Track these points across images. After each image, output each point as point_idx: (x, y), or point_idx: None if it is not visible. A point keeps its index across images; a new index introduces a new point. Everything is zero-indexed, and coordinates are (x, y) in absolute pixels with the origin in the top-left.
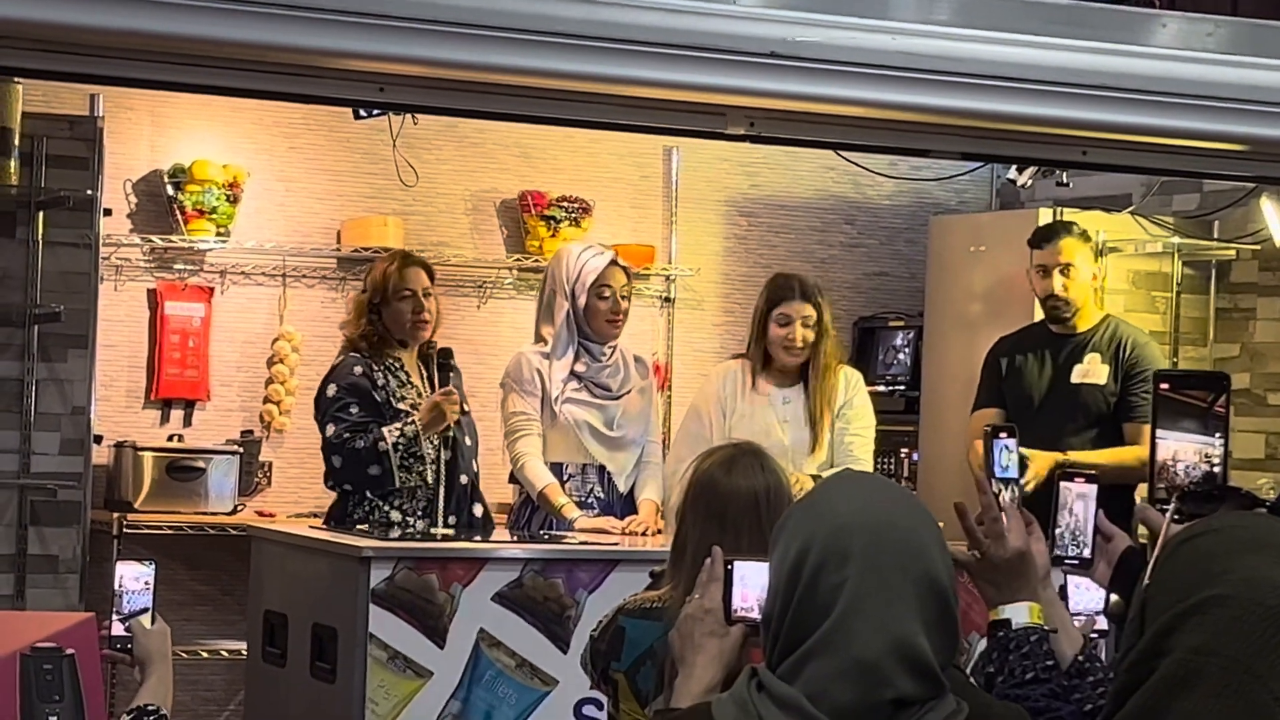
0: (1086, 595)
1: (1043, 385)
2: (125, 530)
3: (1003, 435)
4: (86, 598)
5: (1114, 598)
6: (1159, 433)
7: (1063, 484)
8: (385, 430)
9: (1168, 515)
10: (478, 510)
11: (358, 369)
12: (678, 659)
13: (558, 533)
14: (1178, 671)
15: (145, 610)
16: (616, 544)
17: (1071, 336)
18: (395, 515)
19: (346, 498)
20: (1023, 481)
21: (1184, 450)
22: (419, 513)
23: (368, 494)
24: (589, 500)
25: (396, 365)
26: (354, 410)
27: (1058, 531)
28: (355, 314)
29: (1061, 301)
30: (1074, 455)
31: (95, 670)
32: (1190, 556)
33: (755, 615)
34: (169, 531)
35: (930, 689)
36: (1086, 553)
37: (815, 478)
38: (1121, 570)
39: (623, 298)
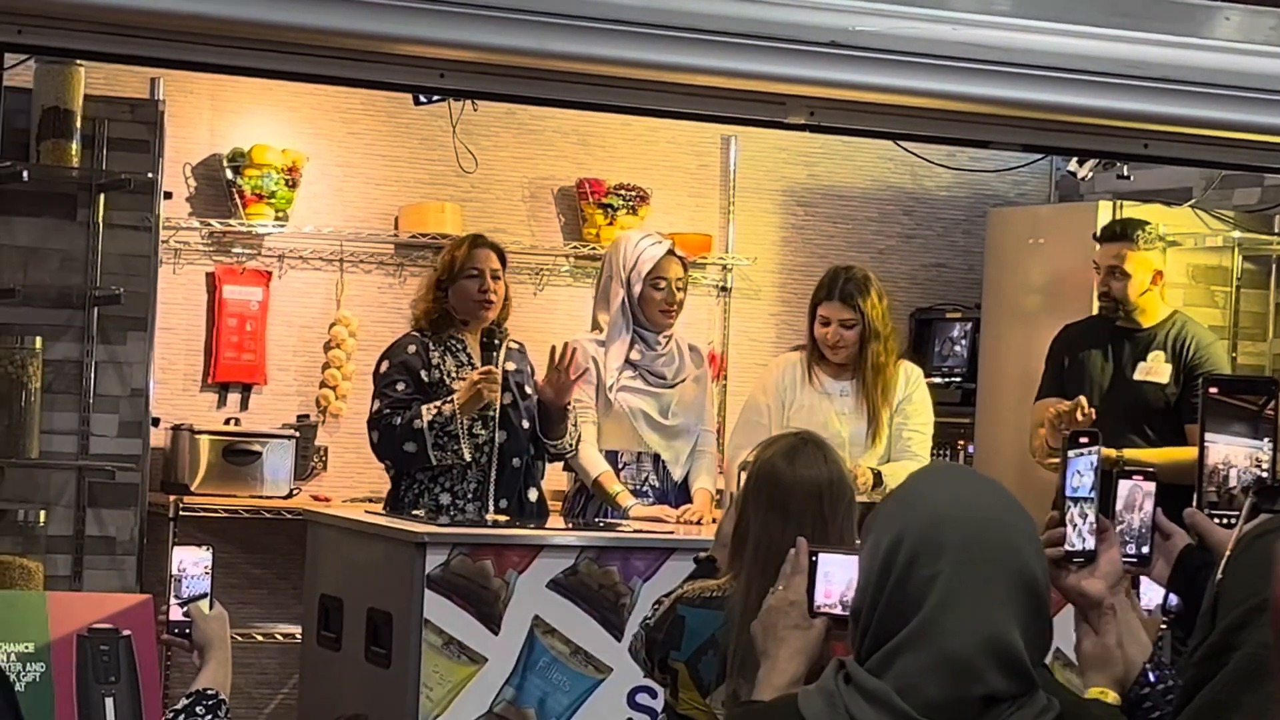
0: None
1: (1104, 380)
2: (181, 513)
3: (1082, 444)
4: (143, 580)
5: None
6: (1208, 436)
7: (1121, 481)
8: (424, 408)
9: (1244, 508)
10: (532, 495)
11: (412, 347)
12: (760, 651)
13: (612, 520)
14: (1249, 666)
15: (204, 595)
16: (671, 532)
17: (1137, 332)
18: (445, 498)
19: (399, 480)
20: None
21: (1234, 454)
22: (469, 495)
23: (417, 476)
24: (644, 488)
25: (458, 346)
26: (400, 387)
27: (1117, 529)
28: (423, 291)
29: (1109, 301)
30: (1129, 453)
31: (151, 652)
32: (1263, 552)
33: (839, 609)
34: (225, 515)
35: (1021, 686)
36: (1145, 550)
37: (875, 471)
38: (1180, 568)
39: (678, 288)
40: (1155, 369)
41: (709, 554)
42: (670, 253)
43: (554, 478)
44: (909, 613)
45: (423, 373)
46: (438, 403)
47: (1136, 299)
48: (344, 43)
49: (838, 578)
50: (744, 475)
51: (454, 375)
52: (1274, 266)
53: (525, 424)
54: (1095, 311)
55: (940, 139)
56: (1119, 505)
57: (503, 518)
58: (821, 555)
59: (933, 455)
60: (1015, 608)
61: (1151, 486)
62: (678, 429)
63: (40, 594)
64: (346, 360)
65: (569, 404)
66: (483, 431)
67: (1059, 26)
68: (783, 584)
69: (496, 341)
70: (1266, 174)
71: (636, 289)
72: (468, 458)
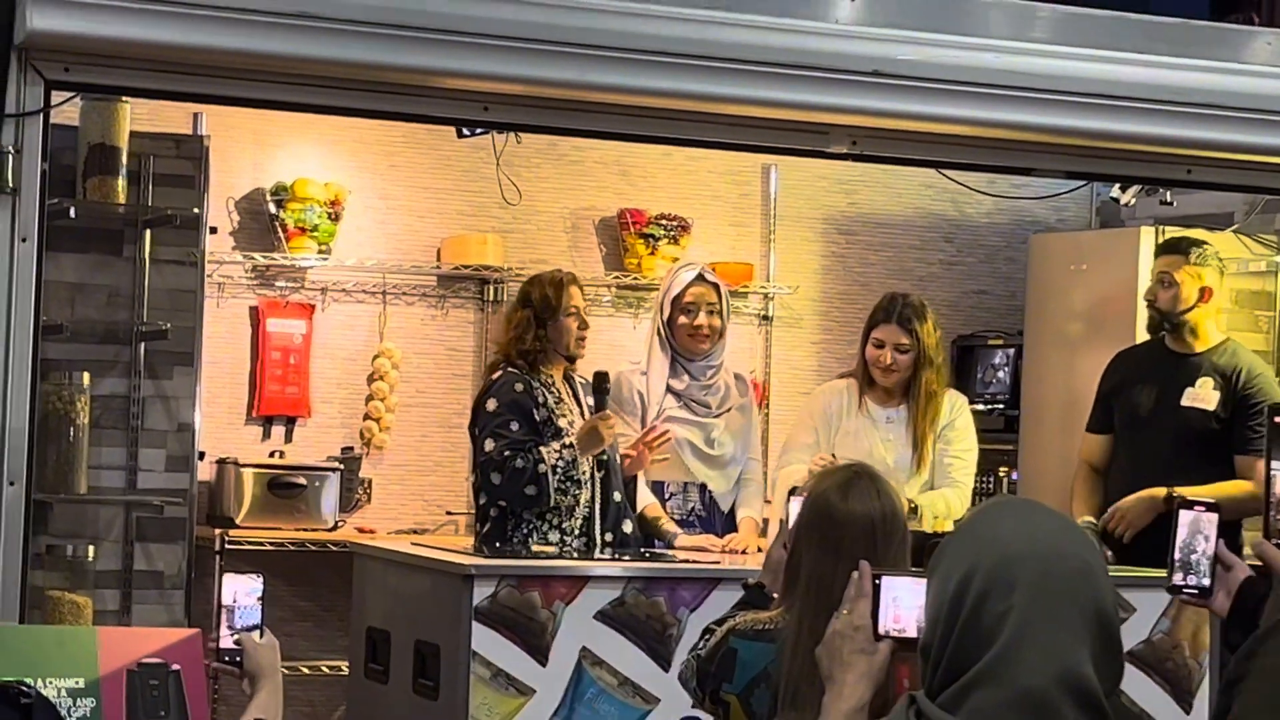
0: None
1: (1151, 404)
2: (227, 546)
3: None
4: (190, 614)
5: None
6: (1275, 465)
7: (1183, 512)
8: (544, 451)
9: None
10: (627, 526)
11: (519, 385)
12: (825, 676)
13: (658, 551)
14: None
15: (257, 626)
16: (717, 562)
17: (1188, 357)
18: (555, 535)
19: (504, 520)
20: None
21: None
22: (577, 531)
23: (524, 515)
24: (690, 518)
25: (550, 382)
26: (514, 427)
27: (1177, 560)
28: (518, 329)
29: (1154, 310)
30: (1181, 490)
31: (200, 685)
32: None
33: (907, 632)
34: (270, 548)
35: (1095, 719)
36: (1206, 582)
37: (913, 504)
38: (1242, 600)
39: (708, 312)
40: (1203, 395)
41: (758, 580)
42: (701, 277)
43: None
44: (982, 648)
45: (533, 411)
46: (556, 445)
47: (1183, 313)
48: (389, 77)
49: (903, 601)
50: (794, 500)
51: (556, 413)
52: None
53: (617, 458)
54: (1143, 325)
55: (983, 166)
56: (1181, 536)
57: (552, 549)
58: (885, 578)
59: (976, 482)
60: (1088, 641)
61: (1213, 518)
62: (723, 459)
63: (90, 629)
64: (390, 392)
65: (636, 476)
66: (588, 470)
67: (1100, 53)
68: (847, 608)
69: (607, 385)
70: None
71: (667, 313)
72: (584, 500)
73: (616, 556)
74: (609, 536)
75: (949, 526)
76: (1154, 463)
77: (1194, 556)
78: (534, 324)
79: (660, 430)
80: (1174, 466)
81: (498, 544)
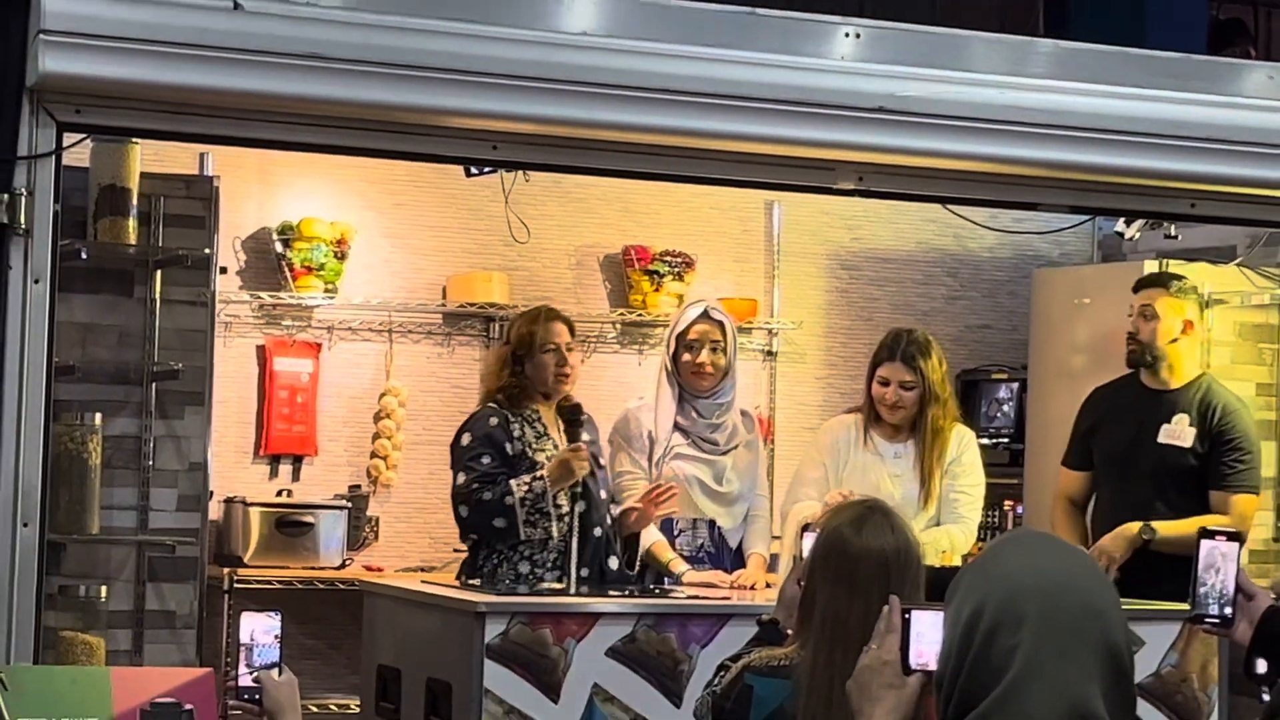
0: None
1: (1130, 442)
2: (235, 585)
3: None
4: (202, 653)
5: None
6: None
7: (1204, 542)
8: (513, 484)
9: None
10: (613, 563)
11: (493, 420)
12: (855, 710)
13: (667, 587)
14: None
15: (275, 665)
16: (727, 598)
17: (1164, 393)
18: (525, 567)
19: (477, 550)
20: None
21: None
22: (549, 565)
23: (497, 546)
24: (699, 555)
25: (534, 417)
26: (485, 461)
27: (1200, 590)
28: (497, 366)
29: (1135, 344)
30: (1158, 525)
31: None
32: None
33: (931, 666)
34: (278, 586)
35: None
36: (1228, 611)
37: None
38: (1263, 629)
39: (714, 350)
40: (1179, 432)
41: (771, 616)
42: (706, 314)
43: None
44: (992, 682)
45: (506, 445)
46: (527, 479)
47: (1165, 345)
48: (398, 116)
49: (927, 636)
50: (807, 536)
51: (534, 447)
52: None
53: (603, 494)
54: (1124, 357)
55: (988, 202)
56: (1200, 566)
57: (561, 586)
58: (915, 613)
59: (982, 517)
60: (1097, 675)
61: (1233, 548)
62: (732, 495)
63: (103, 669)
64: (396, 430)
65: (638, 533)
66: (564, 504)
67: (1104, 89)
68: (876, 642)
69: (582, 418)
70: None
71: (672, 350)
72: (556, 535)
73: (626, 592)
74: (585, 572)
75: (956, 562)
76: (1135, 500)
77: (1215, 587)
78: (511, 361)
79: (666, 486)
80: (1154, 503)
81: (465, 578)
